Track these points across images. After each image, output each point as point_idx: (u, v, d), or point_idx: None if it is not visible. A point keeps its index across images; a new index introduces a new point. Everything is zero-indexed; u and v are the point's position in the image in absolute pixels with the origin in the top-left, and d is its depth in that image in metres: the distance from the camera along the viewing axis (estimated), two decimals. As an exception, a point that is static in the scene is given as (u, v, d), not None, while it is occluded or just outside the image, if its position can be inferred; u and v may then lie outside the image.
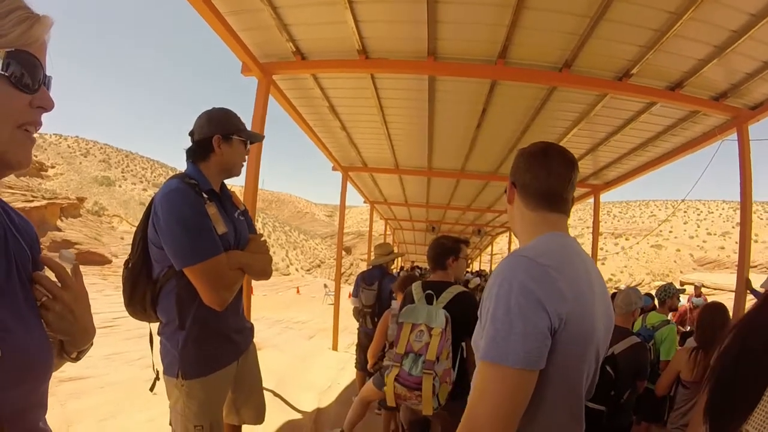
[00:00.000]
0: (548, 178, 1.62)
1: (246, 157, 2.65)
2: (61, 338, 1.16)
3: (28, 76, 0.95)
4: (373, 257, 7.20)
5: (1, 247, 1.03)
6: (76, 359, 1.26)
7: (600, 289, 1.52)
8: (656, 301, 6.37)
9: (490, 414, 1.27)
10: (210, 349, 2.37)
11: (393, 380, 3.21)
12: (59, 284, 1.13)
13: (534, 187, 1.62)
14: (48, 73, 1.01)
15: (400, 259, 38.38)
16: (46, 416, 1.12)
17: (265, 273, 2.60)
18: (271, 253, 2.70)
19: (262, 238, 2.70)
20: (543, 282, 1.32)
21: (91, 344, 1.28)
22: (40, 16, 0.97)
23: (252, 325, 2.81)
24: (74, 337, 1.18)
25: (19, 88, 0.93)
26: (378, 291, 6.34)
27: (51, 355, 1.09)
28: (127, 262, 2.41)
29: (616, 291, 5.31)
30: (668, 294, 6.12)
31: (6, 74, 0.91)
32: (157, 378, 2.44)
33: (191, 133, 2.52)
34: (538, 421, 1.37)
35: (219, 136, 2.46)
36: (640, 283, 66.11)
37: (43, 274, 1.13)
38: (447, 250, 3.87)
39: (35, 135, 1.02)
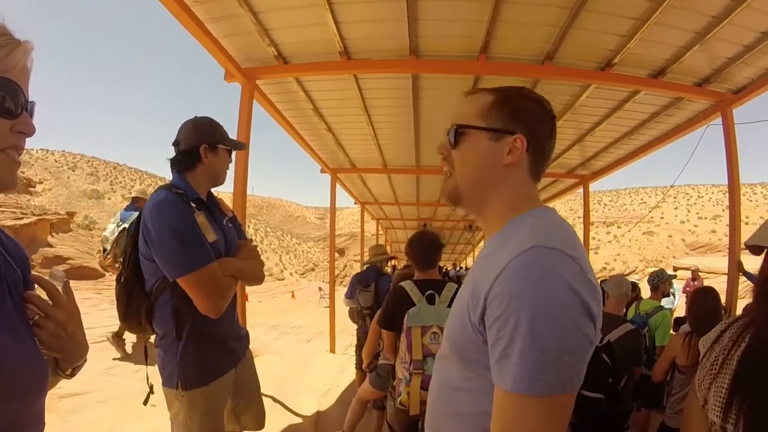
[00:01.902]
0: (553, 145, 1.33)
1: (229, 165, 2.64)
2: (56, 356, 1.18)
3: (10, 101, 0.95)
4: (366, 257, 7.20)
5: (4, 270, 1.06)
6: (71, 375, 1.27)
7: None
8: (648, 288, 6.40)
9: None
10: (208, 358, 2.36)
11: (418, 387, 3.13)
12: (51, 303, 1.14)
13: (548, 158, 1.32)
14: (30, 99, 1.02)
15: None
16: None
17: (257, 278, 2.60)
18: (264, 258, 2.70)
19: (252, 243, 2.70)
20: (582, 280, 1.05)
21: (85, 360, 1.29)
22: (20, 41, 0.97)
23: (247, 332, 2.81)
24: (68, 354, 1.20)
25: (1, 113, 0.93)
26: (375, 291, 6.35)
27: (46, 372, 1.10)
28: (119, 277, 2.40)
29: (604, 280, 5.33)
30: (661, 279, 6.15)
31: None
32: (151, 392, 2.43)
33: (176, 143, 2.50)
34: None
35: (206, 146, 2.45)
36: (634, 270, 66.49)
37: (34, 293, 1.15)
38: (438, 247, 3.79)
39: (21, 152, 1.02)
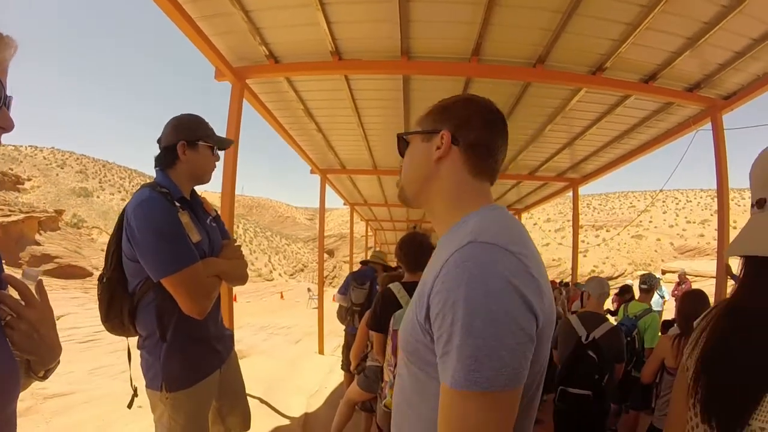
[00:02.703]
0: (502, 145, 1.34)
1: (215, 163, 2.58)
2: (28, 357, 1.15)
3: None
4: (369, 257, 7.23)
5: None
6: (44, 378, 1.24)
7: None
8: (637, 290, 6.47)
9: None
10: (193, 359, 2.34)
11: None
12: (23, 303, 1.11)
13: (488, 149, 1.32)
14: (8, 94, 1.00)
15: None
16: None
17: (241, 278, 2.58)
18: (253, 258, 2.68)
19: (236, 243, 2.67)
20: (523, 275, 1.04)
21: (58, 362, 1.26)
22: (3, 36, 0.96)
23: (232, 332, 2.78)
24: (40, 355, 1.16)
25: None
26: (369, 290, 6.36)
27: (17, 374, 1.07)
28: (101, 277, 2.35)
29: (563, 281, 5.47)
30: (653, 281, 6.25)
31: None
32: (135, 394, 2.40)
33: (159, 140, 2.47)
34: None
35: (184, 142, 2.41)
36: (623, 273, 66.79)
37: (6, 293, 1.11)
38: (429, 248, 3.70)
39: (11, 147, 0.99)
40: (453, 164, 1.31)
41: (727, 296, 1.15)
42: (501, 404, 1.00)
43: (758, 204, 1.04)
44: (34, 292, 1.16)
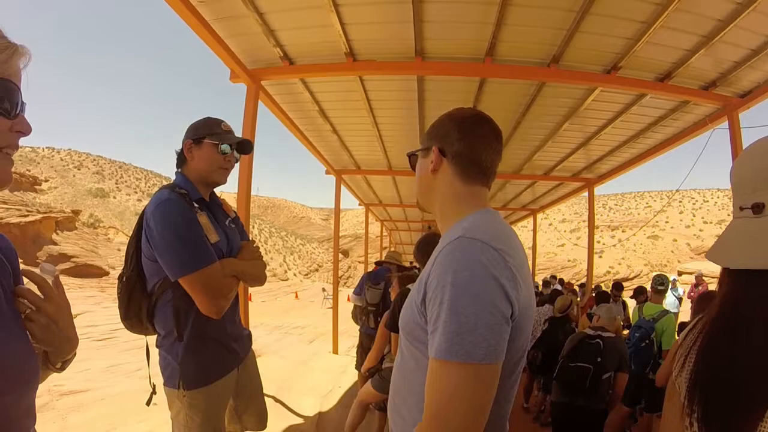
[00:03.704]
0: (485, 149, 1.49)
1: (224, 161, 2.48)
2: (46, 349, 1.20)
3: (8, 102, 0.99)
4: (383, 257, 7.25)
5: None
6: (61, 369, 1.29)
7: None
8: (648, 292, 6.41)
9: (466, 416, 1.14)
10: (210, 358, 2.36)
11: None
12: (42, 296, 1.16)
13: (470, 157, 1.49)
14: (24, 100, 1.05)
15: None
16: None
17: (259, 279, 2.59)
18: (268, 258, 2.69)
19: (255, 245, 2.69)
20: (502, 267, 1.21)
21: (75, 354, 1.31)
22: (18, 46, 1.02)
23: (250, 332, 2.80)
24: (58, 347, 1.22)
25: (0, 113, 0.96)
26: (384, 290, 6.38)
27: (37, 365, 1.13)
28: (121, 276, 2.40)
29: (582, 284, 5.59)
30: (665, 281, 6.19)
31: None
32: (153, 392, 2.43)
33: None
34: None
35: (190, 141, 2.43)
36: (639, 275, 66.21)
37: (25, 287, 1.18)
38: None
39: (28, 149, 1.04)
40: (445, 175, 1.53)
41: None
42: (478, 375, 1.15)
43: (754, 209, 0.95)
44: (51, 285, 1.21)
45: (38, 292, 1.18)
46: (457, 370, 1.15)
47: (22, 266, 1.25)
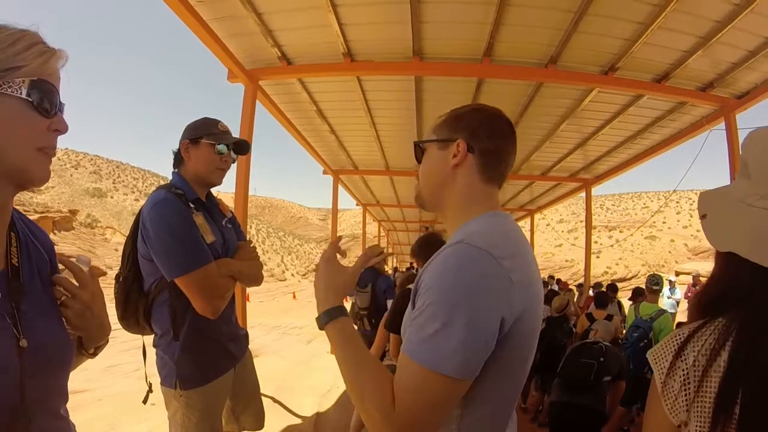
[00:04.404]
0: (510, 151, 1.44)
1: (221, 161, 2.46)
2: (80, 334, 1.28)
3: (47, 102, 1.06)
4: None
5: (24, 253, 1.17)
6: (94, 355, 1.38)
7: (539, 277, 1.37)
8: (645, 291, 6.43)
9: (419, 416, 1.11)
10: (206, 358, 2.36)
11: None
12: (77, 284, 1.24)
13: (497, 156, 1.41)
14: (62, 101, 1.13)
15: (395, 258, 38.43)
16: None
17: (256, 279, 2.58)
18: (266, 258, 2.67)
19: (251, 245, 2.68)
20: (495, 279, 1.14)
21: (107, 341, 1.41)
22: (56, 49, 1.10)
23: (246, 332, 2.79)
24: (92, 333, 1.30)
25: (39, 112, 1.05)
26: (372, 292, 6.34)
27: (71, 348, 1.23)
28: (117, 276, 2.39)
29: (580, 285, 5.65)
30: (659, 280, 6.21)
31: (30, 99, 1.03)
32: (150, 390, 2.43)
33: None
34: (483, 423, 1.25)
35: (187, 141, 2.41)
36: (636, 275, 66.32)
37: (62, 276, 1.26)
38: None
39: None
40: (467, 170, 1.40)
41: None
42: (446, 385, 1.10)
43: None
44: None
45: (74, 281, 1.24)
46: (424, 374, 1.10)
47: (58, 256, 1.33)
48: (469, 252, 1.17)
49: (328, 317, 1.33)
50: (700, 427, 0.90)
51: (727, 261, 1.00)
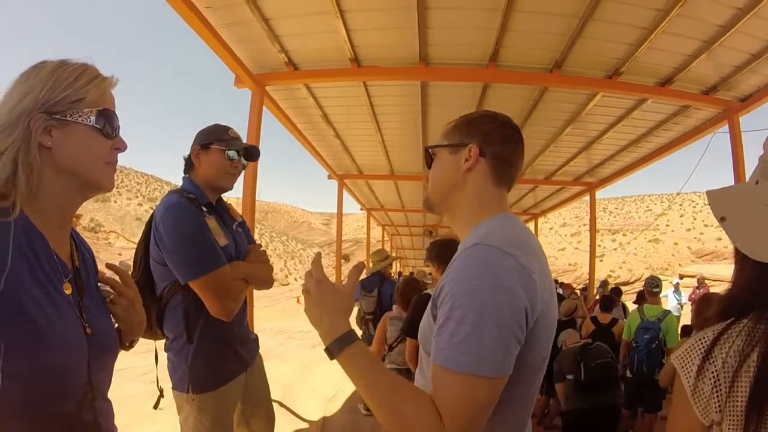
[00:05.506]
0: (520, 156, 1.50)
1: (231, 167, 2.48)
2: (123, 327, 1.47)
3: (110, 127, 1.28)
4: (371, 265, 7.20)
5: (80, 256, 1.37)
6: (129, 347, 1.55)
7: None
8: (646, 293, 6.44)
9: (470, 423, 1.11)
10: (219, 361, 2.37)
11: None
12: (122, 284, 1.46)
13: (509, 161, 1.45)
14: (119, 124, 1.34)
15: (398, 263, 38.39)
16: None
17: (267, 282, 2.60)
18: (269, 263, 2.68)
19: (261, 248, 2.71)
20: (518, 276, 1.16)
21: (139, 337, 1.60)
22: (108, 78, 1.31)
23: (257, 336, 2.81)
24: (133, 326, 1.49)
25: (104, 135, 1.27)
26: (378, 297, 6.35)
27: (117, 339, 1.42)
28: (129, 280, 2.42)
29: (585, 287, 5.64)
30: (660, 283, 6.23)
31: (98, 127, 1.25)
32: (161, 395, 2.44)
33: None
34: (506, 424, 1.26)
35: (198, 146, 2.44)
36: (640, 278, 66.03)
37: (109, 276, 1.47)
38: None
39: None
40: (479, 175, 1.44)
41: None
42: (487, 388, 1.11)
43: None
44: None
45: (119, 281, 1.46)
46: (462, 380, 1.10)
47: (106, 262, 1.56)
48: (489, 252, 1.20)
49: (342, 344, 1.25)
50: (732, 427, 0.92)
51: (755, 265, 1.01)
